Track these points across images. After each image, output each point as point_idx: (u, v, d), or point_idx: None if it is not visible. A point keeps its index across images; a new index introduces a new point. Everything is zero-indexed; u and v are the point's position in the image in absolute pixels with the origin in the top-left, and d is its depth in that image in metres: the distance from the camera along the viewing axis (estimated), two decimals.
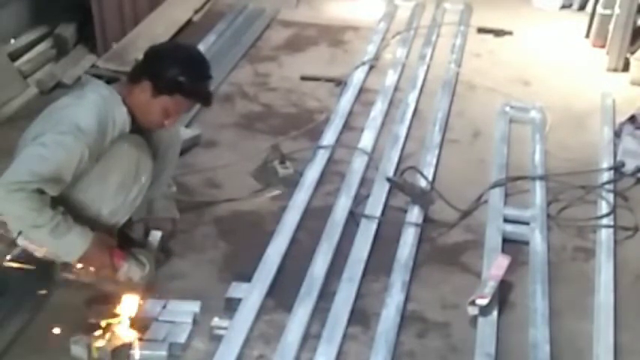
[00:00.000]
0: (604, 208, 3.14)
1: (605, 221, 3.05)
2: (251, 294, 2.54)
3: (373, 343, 2.39)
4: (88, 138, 2.28)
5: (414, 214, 3.03)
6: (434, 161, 3.41)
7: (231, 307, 2.50)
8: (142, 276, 2.46)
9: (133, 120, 2.43)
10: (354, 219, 3.01)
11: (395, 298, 2.57)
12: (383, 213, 3.06)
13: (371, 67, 4.36)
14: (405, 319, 2.52)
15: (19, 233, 2.36)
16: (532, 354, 2.38)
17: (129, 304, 2.43)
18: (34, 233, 2.29)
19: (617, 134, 3.59)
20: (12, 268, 2.48)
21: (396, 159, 3.42)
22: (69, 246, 2.31)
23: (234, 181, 3.25)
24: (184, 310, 2.45)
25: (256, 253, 2.74)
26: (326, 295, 2.59)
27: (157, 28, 4.56)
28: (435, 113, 3.84)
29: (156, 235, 2.65)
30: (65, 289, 2.50)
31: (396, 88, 4.12)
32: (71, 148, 2.25)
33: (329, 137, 3.57)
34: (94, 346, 2.26)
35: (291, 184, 3.21)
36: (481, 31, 4.93)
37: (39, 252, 2.40)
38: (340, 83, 4.14)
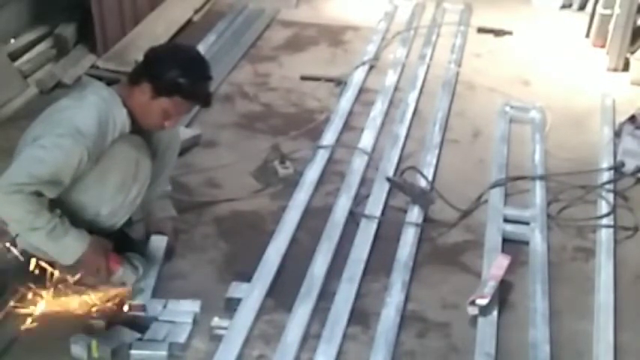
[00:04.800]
0: (604, 208, 3.14)
1: (605, 221, 3.05)
2: (251, 294, 2.54)
3: (373, 343, 2.39)
4: (88, 140, 2.27)
5: (414, 214, 3.03)
6: (434, 161, 3.41)
7: (231, 307, 2.50)
8: (136, 280, 2.46)
9: (132, 121, 2.43)
10: (354, 219, 3.01)
11: (395, 298, 2.57)
12: (383, 213, 3.06)
13: (371, 67, 4.36)
14: (405, 319, 2.53)
15: (17, 235, 2.36)
16: (532, 354, 2.38)
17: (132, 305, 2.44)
18: (31, 236, 2.29)
19: (617, 134, 3.59)
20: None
21: (396, 159, 3.42)
22: (66, 249, 2.31)
23: (234, 181, 3.25)
24: (184, 310, 2.45)
25: (256, 253, 2.74)
26: (326, 295, 2.59)
27: (157, 28, 4.56)
28: (435, 113, 3.84)
29: (162, 241, 2.64)
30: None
31: (396, 88, 4.12)
32: (70, 150, 2.25)
33: (329, 137, 3.57)
34: (94, 346, 2.26)
35: (291, 184, 3.21)
36: (481, 31, 4.93)
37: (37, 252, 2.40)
38: (340, 83, 4.14)
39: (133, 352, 2.29)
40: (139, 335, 2.34)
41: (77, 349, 2.27)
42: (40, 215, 2.22)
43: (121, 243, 2.52)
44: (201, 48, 4.24)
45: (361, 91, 4.09)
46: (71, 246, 2.31)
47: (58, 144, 2.24)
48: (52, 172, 2.23)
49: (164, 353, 2.29)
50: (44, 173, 2.22)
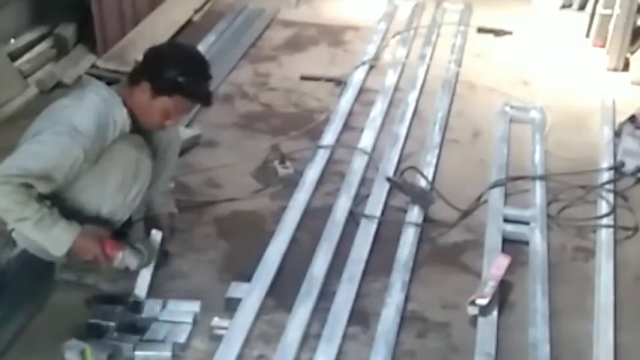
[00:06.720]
0: (604, 208, 3.14)
1: (605, 221, 3.05)
2: (251, 294, 2.54)
3: (373, 343, 2.39)
4: (85, 140, 2.28)
5: (414, 214, 3.03)
6: (434, 161, 3.41)
7: (231, 307, 2.50)
8: (141, 264, 2.46)
9: (133, 121, 2.43)
10: (354, 219, 3.01)
11: (395, 298, 2.57)
12: (383, 213, 3.06)
13: (371, 67, 4.36)
14: (405, 319, 2.52)
15: (12, 230, 2.37)
16: (532, 354, 2.38)
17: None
18: (19, 226, 2.30)
19: (617, 134, 3.59)
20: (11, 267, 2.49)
21: (396, 159, 3.42)
22: (55, 240, 2.31)
23: (234, 181, 3.25)
24: (184, 310, 2.46)
25: (256, 253, 2.74)
26: (326, 295, 2.59)
27: (157, 28, 4.56)
28: (435, 113, 3.84)
29: (157, 235, 2.64)
30: (65, 290, 2.51)
31: (396, 88, 4.12)
32: (66, 148, 2.25)
33: (329, 137, 3.57)
34: (89, 352, 2.24)
35: (291, 184, 3.21)
36: (481, 31, 4.92)
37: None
38: (340, 83, 4.14)
39: (136, 352, 2.28)
40: (136, 338, 2.33)
41: (71, 355, 2.24)
42: (28, 206, 2.22)
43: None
44: (201, 48, 4.23)
45: (361, 91, 4.09)
46: (60, 237, 2.31)
47: (55, 141, 2.25)
48: (44, 167, 2.24)
49: (168, 354, 2.28)
50: (35, 167, 2.23)
